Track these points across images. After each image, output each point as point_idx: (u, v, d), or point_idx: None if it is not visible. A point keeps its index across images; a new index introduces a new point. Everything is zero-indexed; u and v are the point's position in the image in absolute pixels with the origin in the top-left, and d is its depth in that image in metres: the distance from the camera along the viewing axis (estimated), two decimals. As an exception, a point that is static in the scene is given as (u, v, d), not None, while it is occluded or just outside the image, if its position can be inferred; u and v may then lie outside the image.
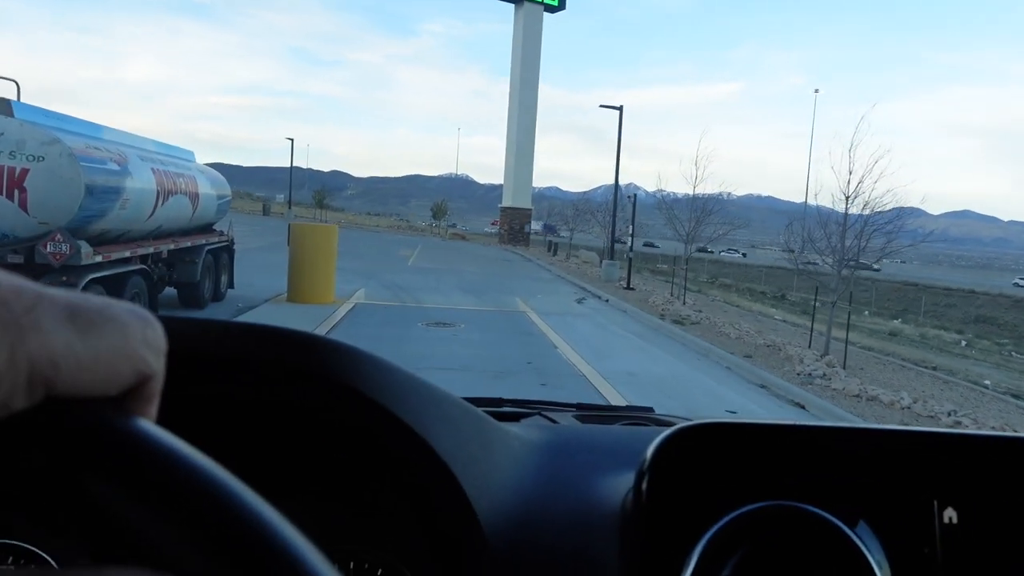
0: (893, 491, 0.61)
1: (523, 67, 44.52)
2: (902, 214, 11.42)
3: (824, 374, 9.78)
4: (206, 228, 11.99)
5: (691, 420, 0.64)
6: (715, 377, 9.49)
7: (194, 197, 10.83)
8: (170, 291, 10.60)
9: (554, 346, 10.15)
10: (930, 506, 0.61)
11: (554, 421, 1.12)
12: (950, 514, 0.60)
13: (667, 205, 19.92)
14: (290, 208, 53.39)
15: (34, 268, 7.04)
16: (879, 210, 11.24)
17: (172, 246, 10.03)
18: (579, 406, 1.34)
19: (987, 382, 11.29)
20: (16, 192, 7.00)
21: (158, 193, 9.25)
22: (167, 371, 0.30)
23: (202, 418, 0.50)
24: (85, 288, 7.23)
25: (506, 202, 45.29)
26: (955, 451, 0.63)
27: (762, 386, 9.26)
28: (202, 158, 13.11)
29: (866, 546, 0.58)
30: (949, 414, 8.12)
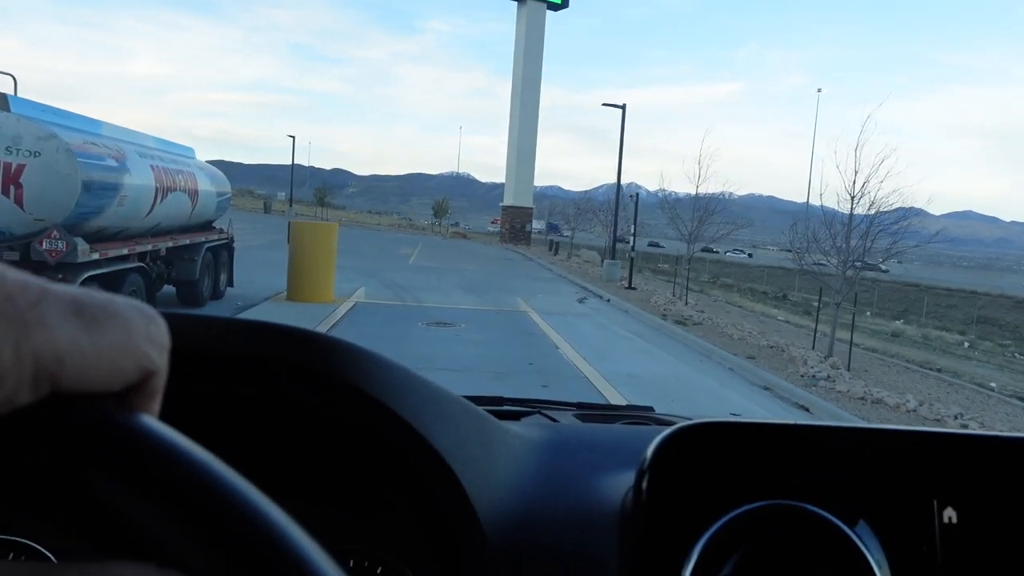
0: (893, 491, 0.61)
1: (525, 65, 44.43)
2: (908, 214, 11.35)
3: (828, 376, 9.69)
4: (205, 226, 11.91)
5: (691, 419, 0.64)
6: (718, 379, 9.40)
7: (193, 194, 10.75)
8: (168, 289, 10.52)
9: (556, 346, 10.06)
10: (930, 506, 0.61)
11: (554, 420, 1.11)
12: (950, 514, 0.60)
13: (670, 204, 19.83)
14: (291, 206, 53.34)
15: (29, 266, 6.94)
16: (884, 210, 11.17)
17: (171, 244, 9.94)
18: (579, 405, 1.33)
19: (993, 384, 11.19)
20: (12, 188, 6.92)
21: (157, 190, 9.16)
22: (169, 368, 0.30)
23: (203, 415, 0.50)
24: (81, 286, 7.13)
25: (507, 201, 45.21)
26: (955, 451, 0.62)
27: (766, 388, 9.17)
28: (203, 155, 13.05)
29: (866, 545, 0.58)
30: (956, 417, 8.03)
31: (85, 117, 8.46)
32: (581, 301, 16.74)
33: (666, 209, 19.87)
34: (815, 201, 13.67)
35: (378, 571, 0.67)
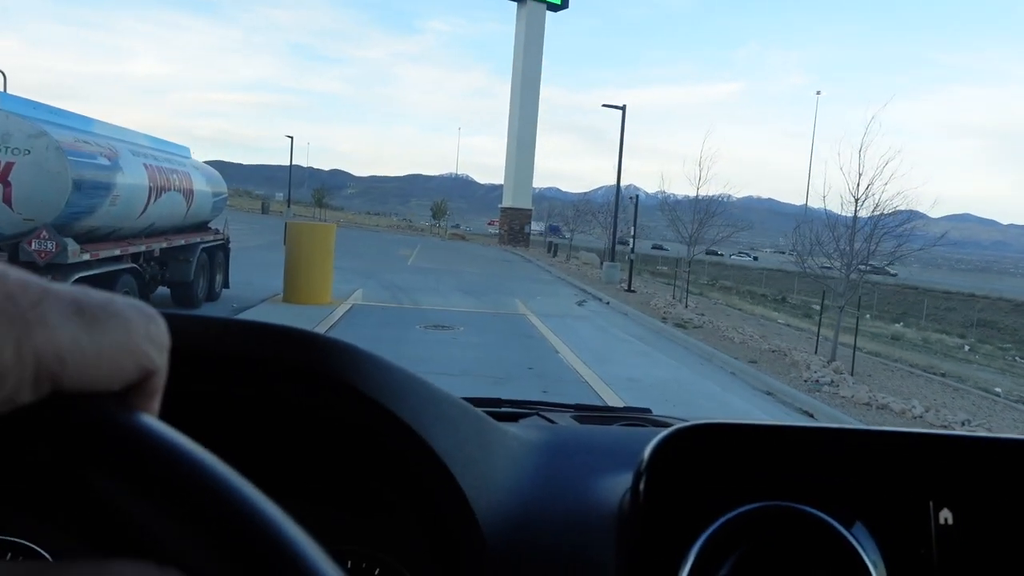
0: (889, 492, 0.61)
1: (525, 66, 44.33)
2: (912, 217, 11.24)
3: (832, 381, 9.55)
4: (201, 226, 11.76)
5: (688, 421, 0.64)
6: (720, 383, 9.26)
7: (188, 194, 10.59)
8: (163, 291, 10.38)
9: (555, 350, 9.92)
10: (926, 507, 0.61)
11: (552, 422, 1.11)
12: (946, 515, 0.60)
13: (669, 206, 19.72)
14: (289, 207, 53.18)
15: (18, 267, 6.79)
16: (888, 212, 11.05)
17: (165, 244, 9.79)
18: (577, 407, 1.33)
19: (998, 390, 11.06)
20: (0, 187, 6.76)
21: (151, 189, 9.01)
22: (169, 367, 0.31)
23: (203, 415, 0.49)
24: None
25: (506, 202, 45.09)
26: (950, 452, 0.62)
27: (768, 393, 9.04)
28: (203, 155, 12.95)
29: (862, 547, 0.58)
30: (963, 423, 7.90)
31: (77, 115, 8.30)
32: (580, 304, 16.61)
33: (666, 211, 19.76)
34: (818, 204, 13.54)
35: (376, 572, 0.67)
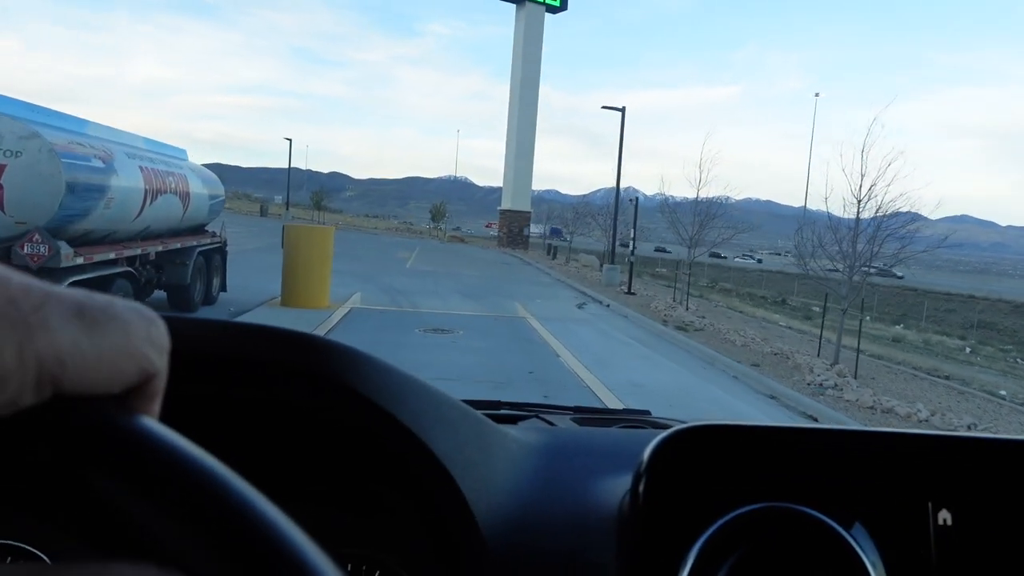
0: (888, 493, 0.61)
1: (524, 68, 44.23)
2: (916, 218, 11.16)
3: (836, 384, 9.46)
4: (197, 229, 11.65)
5: (687, 423, 0.64)
6: (723, 387, 9.16)
7: (185, 197, 10.48)
8: (159, 294, 10.26)
9: (556, 354, 9.81)
10: (925, 508, 0.61)
11: (551, 424, 1.10)
12: (944, 516, 0.60)
13: (670, 208, 19.64)
14: (287, 209, 53.10)
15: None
16: (890, 213, 10.96)
17: (161, 248, 9.67)
18: (576, 409, 1.33)
19: (1003, 392, 10.96)
20: (-8, 190, 6.65)
21: (146, 192, 8.90)
22: (169, 370, 0.31)
23: (202, 418, 0.49)
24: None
25: (505, 205, 44.97)
26: (949, 453, 0.62)
27: (771, 397, 8.94)
28: (202, 158, 12.86)
29: (861, 548, 0.58)
30: (969, 427, 7.79)
31: (71, 116, 8.19)
32: (580, 306, 16.51)
33: (666, 213, 19.68)
34: (817, 206, 13.46)
35: (376, 574, 0.67)
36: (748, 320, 17.91)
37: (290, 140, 52.08)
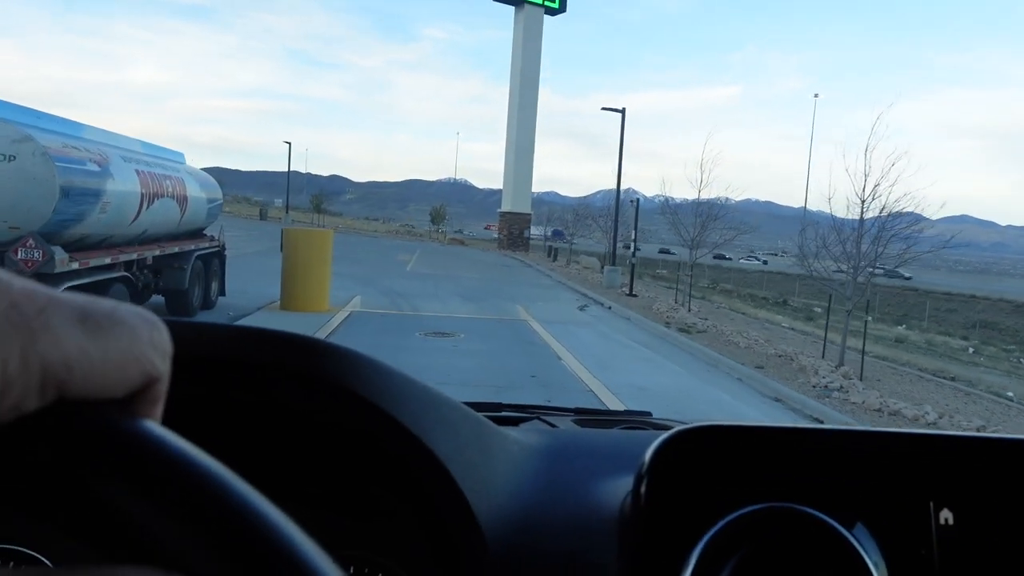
0: (890, 493, 0.61)
1: (523, 70, 44.15)
2: (918, 219, 11.07)
3: (841, 386, 9.35)
4: (196, 233, 11.57)
5: (688, 423, 0.63)
6: (727, 390, 9.05)
7: (182, 200, 10.39)
8: (157, 299, 10.16)
9: (558, 357, 9.71)
10: (926, 508, 0.60)
11: (553, 425, 1.10)
12: (946, 515, 0.60)
13: (671, 210, 19.55)
14: (287, 213, 53.00)
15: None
16: (894, 213, 10.87)
17: (158, 252, 9.58)
18: (577, 411, 1.32)
19: (1011, 394, 10.84)
20: (-15, 194, 6.55)
21: (143, 196, 8.80)
22: (171, 374, 0.31)
23: (204, 421, 0.50)
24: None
25: (505, 207, 44.86)
26: (950, 453, 0.62)
27: (777, 399, 8.83)
28: (202, 162, 12.78)
29: (863, 548, 0.58)
30: (979, 430, 7.68)
31: (65, 119, 8.09)
32: (582, 309, 16.41)
33: (667, 214, 19.59)
34: (818, 206, 13.36)
35: None
36: (750, 321, 17.80)
37: (289, 143, 51.96)
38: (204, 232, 11.96)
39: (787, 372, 10.33)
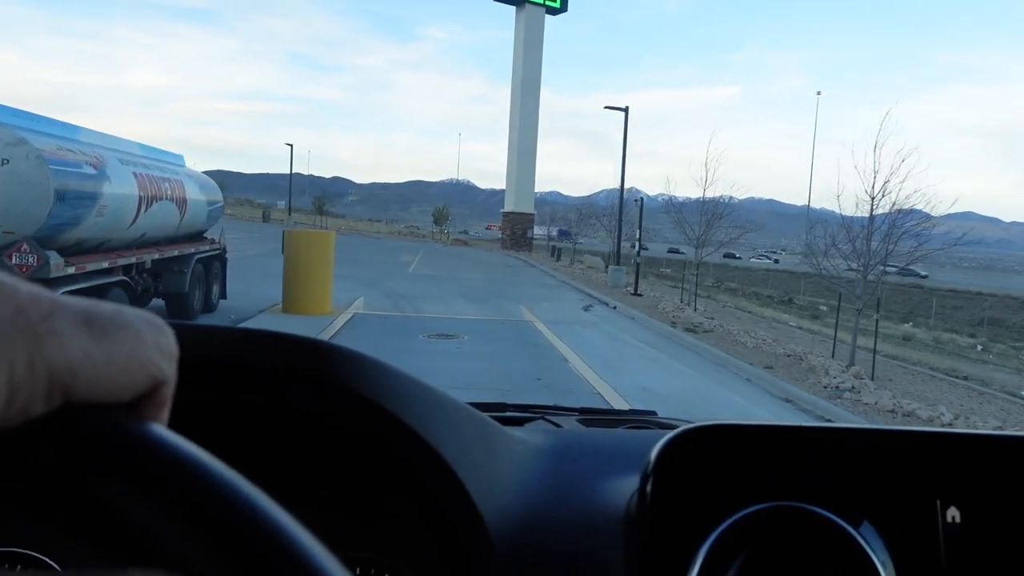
0: (897, 491, 0.61)
1: (525, 70, 44.02)
2: (928, 216, 10.90)
3: (853, 387, 9.18)
4: (196, 236, 11.44)
5: (694, 423, 0.63)
6: (737, 391, 8.89)
7: (182, 203, 10.26)
8: (157, 303, 10.04)
9: (564, 359, 9.56)
10: (933, 506, 0.60)
11: (558, 425, 1.09)
12: (953, 514, 0.60)
13: (675, 208, 19.39)
14: (290, 215, 52.89)
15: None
16: (904, 210, 10.71)
17: (157, 255, 9.46)
18: (582, 410, 1.32)
19: (1024, 393, 10.66)
20: (-22, 198, 6.42)
21: (141, 199, 8.67)
22: (177, 377, 0.31)
23: (210, 424, 0.49)
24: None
25: (508, 207, 44.74)
26: (957, 451, 0.62)
27: (787, 400, 8.67)
28: (203, 165, 12.68)
29: (870, 546, 0.57)
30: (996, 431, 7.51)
31: (61, 122, 7.96)
32: (587, 309, 16.26)
33: (672, 213, 19.43)
34: (822, 204, 13.20)
35: None
36: (757, 320, 17.63)
37: (291, 146, 51.89)
38: (205, 235, 11.84)
39: (797, 372, 10.16)
